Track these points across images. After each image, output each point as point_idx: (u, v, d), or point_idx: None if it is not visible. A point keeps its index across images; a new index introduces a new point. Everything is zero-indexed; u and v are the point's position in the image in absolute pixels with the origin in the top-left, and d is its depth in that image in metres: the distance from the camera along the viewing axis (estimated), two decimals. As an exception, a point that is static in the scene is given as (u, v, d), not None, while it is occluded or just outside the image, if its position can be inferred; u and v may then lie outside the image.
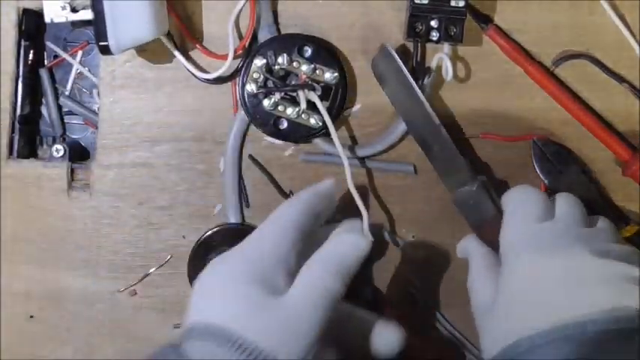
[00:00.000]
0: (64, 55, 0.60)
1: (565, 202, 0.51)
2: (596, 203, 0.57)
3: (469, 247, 0.55)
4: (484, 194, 0.54)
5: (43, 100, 0.60)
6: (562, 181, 0.58)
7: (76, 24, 0.57)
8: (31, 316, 0.60)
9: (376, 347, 0.50)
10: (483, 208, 0.54)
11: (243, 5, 0.56)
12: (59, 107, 0.60)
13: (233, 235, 0.58)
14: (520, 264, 0.48)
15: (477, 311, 0.52)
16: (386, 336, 0.50)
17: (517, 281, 0.48)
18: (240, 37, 0.58)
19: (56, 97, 0.60)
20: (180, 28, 0.57)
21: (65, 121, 0.61)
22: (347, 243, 0.49)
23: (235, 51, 0.56)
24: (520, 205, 0.51)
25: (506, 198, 0.53)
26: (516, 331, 0.45)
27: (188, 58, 0.57)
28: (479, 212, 0.54)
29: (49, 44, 0.60)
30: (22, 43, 0.59)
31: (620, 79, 0.58)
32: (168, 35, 0.56)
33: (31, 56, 0.59)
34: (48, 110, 0.60)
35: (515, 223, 0.51)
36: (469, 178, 0.55)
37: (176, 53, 0.56)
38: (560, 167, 0.58)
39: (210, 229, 0.59)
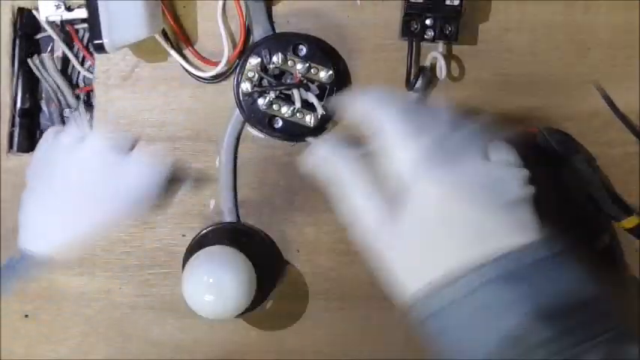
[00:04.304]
0: (66, 51, 0.60)
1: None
2: (599, 193, 0.58)
3: (331, 155, 0.46)
4: None
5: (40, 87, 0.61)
6: (566, 169, 0.58)
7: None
8: (26, 315, 0.60)
9: None
10: None
11: (224, 5, 0.57)
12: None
13: (228, 233, 0.58)
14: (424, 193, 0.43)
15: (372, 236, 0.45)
16: None
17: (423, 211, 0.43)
18: (235, 37, 0.58)
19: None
20: (175, 30, 0.57)
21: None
22: None
23: (228, 59, 0.57)
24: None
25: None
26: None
27: (183, 56, 0.57)
28: None
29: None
30: (18, 41, 0.59)
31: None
32: (164, 34, 0.56)
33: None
34: (46, 92, 0.60)
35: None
36: None
37: (172, 52, 0.57)
38: (565, 156, 0.58)
39: (206, 228, 0.59)
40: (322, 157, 0.47)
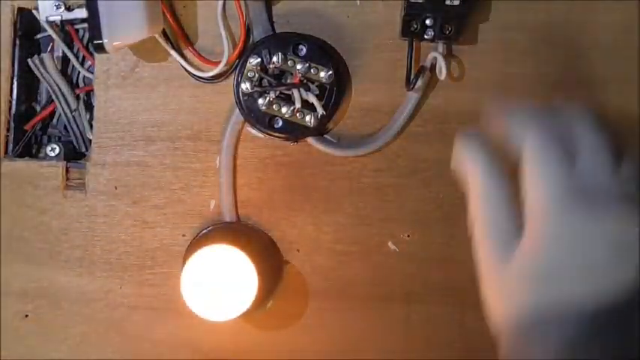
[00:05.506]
0: (66, 51, 0.60)
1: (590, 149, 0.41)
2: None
3: (477, 158, 0.43)
4: None
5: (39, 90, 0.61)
6: None
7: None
8: (26, 315, 0.60)
9: None
10: None
11: (224, 5, 0.57)
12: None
13: (228, 233, 0.58)
14: (563, 225, 0.40)
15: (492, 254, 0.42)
16: None
17: (558, 246, 0.40)
18: (235, 37, 0.58)
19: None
20: (175, 30, 0.57)
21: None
22: None
23: (228, 59, 0.57)
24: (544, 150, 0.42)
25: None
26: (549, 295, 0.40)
27: (183, 56, 0.57)
28: None
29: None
30: (18, 41, 0.59)
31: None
32: (164, 34, 0.56)
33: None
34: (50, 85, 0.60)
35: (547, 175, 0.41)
36: None
37: (172, 52, 0.57)
38: None
39: (206, 228, 0.59)
40: (472, 159, 0.43)
